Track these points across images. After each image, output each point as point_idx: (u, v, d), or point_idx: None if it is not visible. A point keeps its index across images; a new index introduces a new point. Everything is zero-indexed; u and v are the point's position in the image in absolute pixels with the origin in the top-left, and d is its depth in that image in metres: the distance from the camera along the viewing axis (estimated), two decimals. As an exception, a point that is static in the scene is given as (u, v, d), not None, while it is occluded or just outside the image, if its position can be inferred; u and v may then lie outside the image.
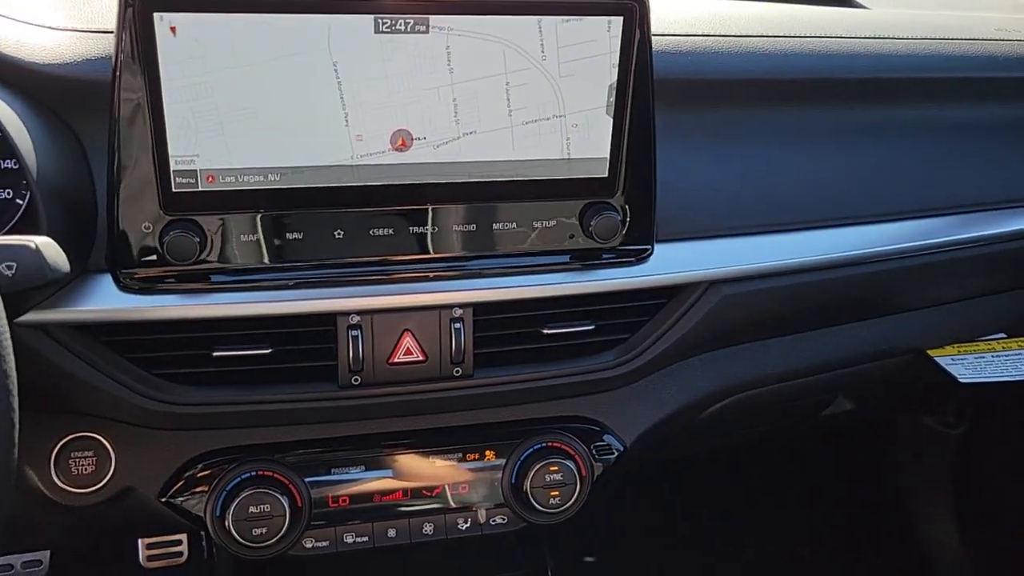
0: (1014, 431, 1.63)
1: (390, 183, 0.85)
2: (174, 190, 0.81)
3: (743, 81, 1.05)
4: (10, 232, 0.76)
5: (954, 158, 1.15)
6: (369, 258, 0.87)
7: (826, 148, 1.09)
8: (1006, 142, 1.19)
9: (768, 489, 1.97)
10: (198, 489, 0.93)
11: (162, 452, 0.93)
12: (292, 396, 0.91)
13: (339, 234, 0.86)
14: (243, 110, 0.80)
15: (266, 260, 0.85)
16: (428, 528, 1.00)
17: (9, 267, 0.67)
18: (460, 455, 1.00)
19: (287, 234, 0.84)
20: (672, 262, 0.96)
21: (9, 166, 0.76)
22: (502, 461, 1.00)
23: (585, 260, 0.93)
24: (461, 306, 0.90)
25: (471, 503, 1.01)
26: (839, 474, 1.96)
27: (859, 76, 1.10)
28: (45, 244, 0.70)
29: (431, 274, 0.89)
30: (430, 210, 0.87)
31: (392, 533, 0.99)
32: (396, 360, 0.91)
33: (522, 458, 1.00)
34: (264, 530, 0.91)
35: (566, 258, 0.93)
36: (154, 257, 0.82)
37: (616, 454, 1.04)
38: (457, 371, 0.92)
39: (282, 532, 0.92)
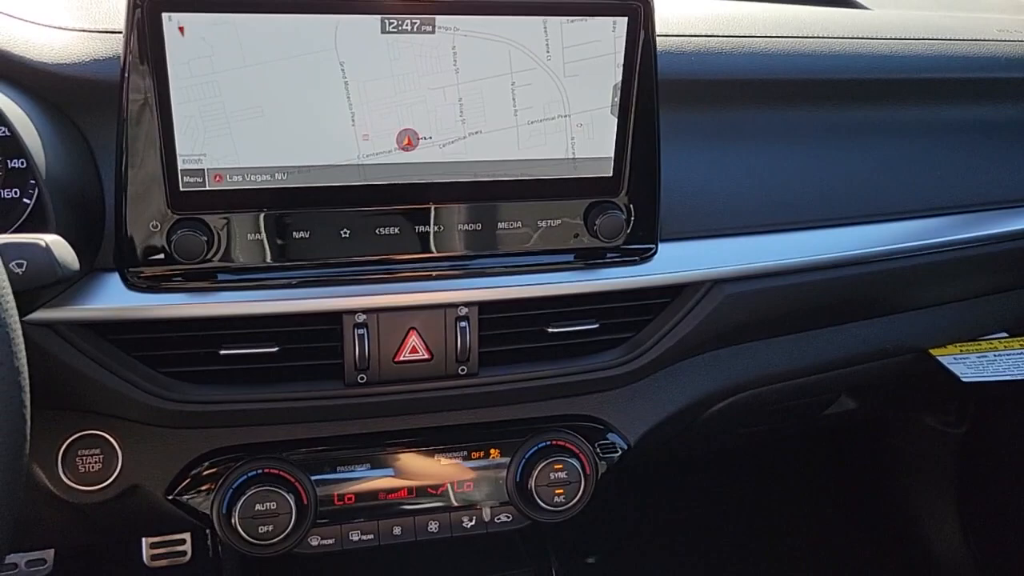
0: (1015, 431, 1.64)
1: (396, 182, 0.85)
2: (181, 189, 0.81)
3: (745, 81, 1.05)
4: (18, 231, 0.76)
5: (956, 158, 1.16)
6: (375, 257, 0.88)
7: (828, 148, 1.09)
8: (1007, 142, 1.19)
9: (769, 488, 1.97)
10: (204, 487, 0.94)
11: (169, 450, 0.94)
12: (298, 394, 0.91)
13: (345, 233, 0.86)
14: (250, 110, 0.80)
15: (273, 259, 0.85)
16: (433, 526, 1.00)
17: (19, 265, 0.67)
18: (465, 453, 1.00)
19: (293, 233, 0.85)
20: (676, 261, 0.97)
21: (17, 165, 0.76)
22: (507, 459, 1.01)
23: (589, 259, 0.93)
24: (467, 305, 0.91)
25: (476, 501, 1.01)
26: (840, 474, 1.96)
27: (860, 76, 1.10)
28: (55, 242, 0.70)
29: (437, 273, 0.90)
30: (436, 209, 0.87)
31: (397, 531, 1.00)
32: (402, 358, 0.91)
33: (527, 456, 1.01)
34: (270, 528, 0.92)
35: (571, 257, 0.93)
36: (161, 256, 0.82)
37: (620, 452, 1.05)
38: (462, 369, 0.93)
39: (288, 530, 0.92)
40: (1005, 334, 1.30)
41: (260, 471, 0.94)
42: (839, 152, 1.09)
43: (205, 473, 0.94)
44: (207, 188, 0.82)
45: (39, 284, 0.68)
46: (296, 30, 0.78)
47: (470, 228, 0.89)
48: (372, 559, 1.21)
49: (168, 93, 0.78)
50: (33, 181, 0.76)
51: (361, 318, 0.89)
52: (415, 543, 1.00)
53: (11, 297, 0.59)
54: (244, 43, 0.78)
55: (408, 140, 0.84)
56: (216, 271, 0.84)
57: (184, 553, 1.50)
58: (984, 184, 1.16)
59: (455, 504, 1.01)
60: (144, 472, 0.93)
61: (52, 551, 1.46)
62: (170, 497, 0.94)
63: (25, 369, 0.60)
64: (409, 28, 0.80)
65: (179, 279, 0.84)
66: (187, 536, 1.50)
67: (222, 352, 0.87)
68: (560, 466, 0.99)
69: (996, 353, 1.26)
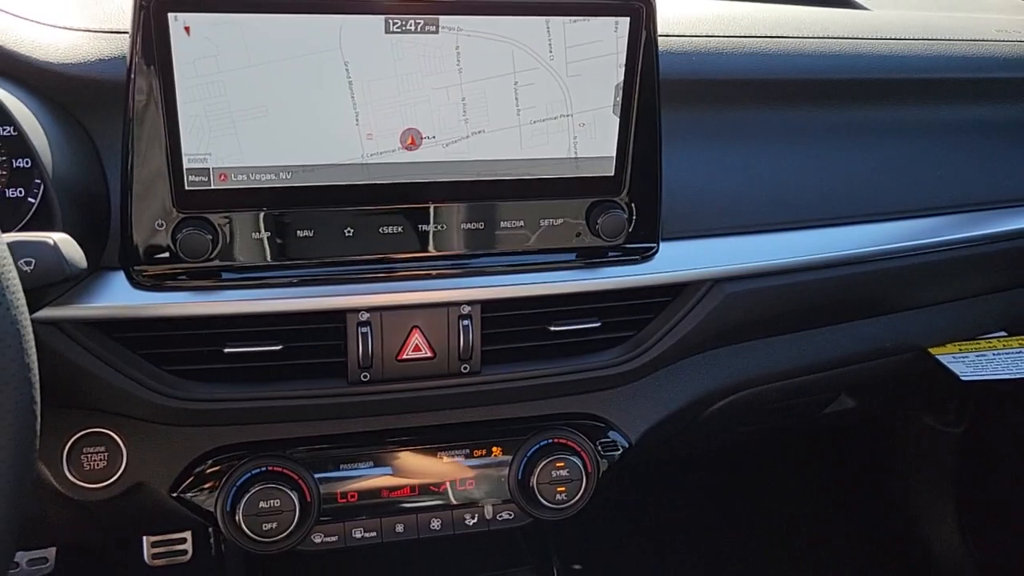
0: (1015, 430, 1.64)
1: (400, 181, 0.86)
2: (187, 188, 0.82)
3: (746, 81, 1.06)
4: (23, 230, 0.76)
5: (955, 158, 1.16)
6: (379, 256, 0.88)
7: (828, 148, 1.10)
8: (1006, 142, 1.20)
9: (769, 488, 1.98)
10: (209, 484, 0.94)
11: (173, 448, 0.94)
12: (302, 392, 0.92)
13: (349, 232, 0.86)
14: (255, 109, 0.81)
15: (277, 258, 0.85)
16: (435, 523, 1.01)
17: (28, 263, 0.68)
18: (467, 451, 1.01)
19: (298, 232, 0.85)
20: (677, 260, 0.97)
21: (23, 165, 0.77)
22: (509, 457, 1.01)
23: (591, 258, 0.94)
24: (469, 303, 0.91)
25: (478, 499, 1.02)
26: (839, 473, 1.97)
27: (860, 76, 1.11)
28: (63, 240, 0.70)
29: (439, 272, 0.90)
30: (439, 208, 0.88)
31: (400, 528, 1.00)
32: (405, 357, 0.92)
33: (528, 454, 1.01)
34: (274, 525, 0.92)
35: (572, 256, 0.93)
36: (167, 254, 0.83)
37: (621, 450, 1.05)
38: (465, 368, 0.93)
39: (292, 527, 0.93)
40: (1004, 333, 1.31)
41: (264, 469, 0.94)
42: (839, 152, 1.09)
43: (209, 471, 0.95)
44: (212, 187, 0.82)
45: (47, 282, 0.69)
46: (301, 30, 0.79)
47: (473, 227, 0.89)
48: (374, 556, 1.21)
49: (174, 93, 0.78)
50: (38, 180, 0.77)
51: (364, 317, 0.89)
52: (417, 541, 1.01)
53: (22, 295, 0.59)
54: (249, 43, 0.78)
55: (412, 139, 0.85)
56: (221, 269, 0.85)
57: (185, 552, 1.51)
58: (983, 184, 1.17)
59: (457, 502, 1.01)
60: (148, 470, 0.94)
61: (54, 550, 1.47)
62: (174, 495, 0.94)
63: (36, 367, 0.60)
64: (413, 28, 0.81)
65: (184, 277, 0.84)
66: (188, 535, 1.50)
67: (226, 350, 0.88)
68: (562, 464, 1.00)
69: (995, 352, 1.27)
